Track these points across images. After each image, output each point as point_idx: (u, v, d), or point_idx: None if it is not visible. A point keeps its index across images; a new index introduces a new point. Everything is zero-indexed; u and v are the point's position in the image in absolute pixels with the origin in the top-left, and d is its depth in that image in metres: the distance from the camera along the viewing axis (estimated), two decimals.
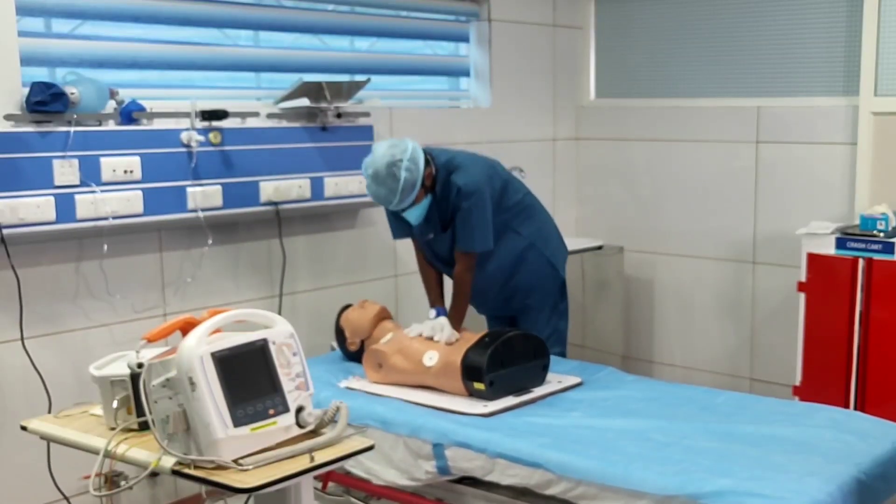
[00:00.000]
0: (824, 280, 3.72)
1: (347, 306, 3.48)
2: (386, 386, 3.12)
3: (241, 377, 2.03)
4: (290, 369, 2.13)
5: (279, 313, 2.73)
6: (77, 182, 3.05)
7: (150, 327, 2.26)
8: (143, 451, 2.11)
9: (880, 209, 3.69)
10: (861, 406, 3.61)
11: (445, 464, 2.70)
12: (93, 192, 3.08)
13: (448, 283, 3.51)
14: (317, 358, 3.47)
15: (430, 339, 3.18)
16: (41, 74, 3.12)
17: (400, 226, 3.48)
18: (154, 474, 2.08)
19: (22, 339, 3.02)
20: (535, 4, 4.77)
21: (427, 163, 3.25)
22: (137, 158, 3.19)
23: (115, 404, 2.24)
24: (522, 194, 3.54)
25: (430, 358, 3.08)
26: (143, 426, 2.18)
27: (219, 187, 3.43)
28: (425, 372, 3.08)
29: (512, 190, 3.49)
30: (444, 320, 3.25)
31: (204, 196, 3.38)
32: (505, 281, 3.53)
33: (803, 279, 3.78)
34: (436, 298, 3.48)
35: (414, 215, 3.32)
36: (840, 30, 4.07)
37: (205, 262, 3.52)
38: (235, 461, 1.98)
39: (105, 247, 3.17)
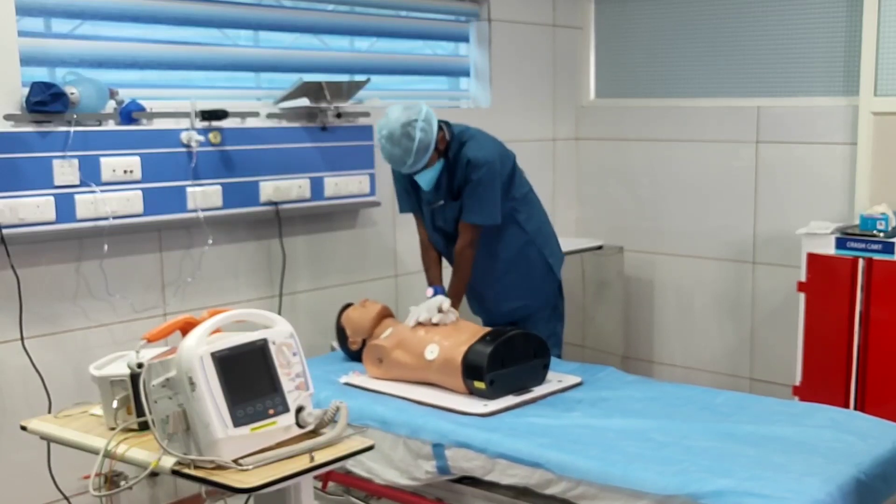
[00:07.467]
0: (824, 280, 3.72)
1: (348, 305, 3.48)
2: (386, 382, 3.12)
3: (240, 377, 2.04)
4: (290, 369, 2.13)
5: (279, 313, 2.73)
6: (77, 182, 3.05)
7: (150, 327, 2.26)
8: (142, 451, 2.11)
9: (880, 209, 3.68)
10: (861, 406, 3.61)
11: (445, 464, 2.70)
12: (93, 192, 3.08)
13: (447, 270, 3.51)
14: (317, 358, 3.46)
15: (429, 321, 3.18)
16: (41, 74, 3.12)
17: (408, 198, 3.50)
18: (154, 474, 2.08)
19: (22, 339, 3.02)
20: (534, 4, 4.77)
21: (440, 128, 3.28)
22: (137, 158, 3.20)
23: (115, 404, 2.24)
24: (528, 189, 3.55)
25: (432, 352, 3.07)
26: (143, 426, 2.18)
27: (219, 187, 3.43)
28: (427, 367, 3.07)
29: (520, 181, 3.50)
30: (440, 298, 3.26)
31: (204, 196, 3.39)
32: (502, 275, 3.52)
33: (803, 279, 3.78)
34: (434, 278, 3.49)
35: (426, 178, 3.33)
36: (840, 30, 4.07)
37: (205, 262, 3.51)
38: (235, 461, 1.98)
39: (105, 247, 3.17)
